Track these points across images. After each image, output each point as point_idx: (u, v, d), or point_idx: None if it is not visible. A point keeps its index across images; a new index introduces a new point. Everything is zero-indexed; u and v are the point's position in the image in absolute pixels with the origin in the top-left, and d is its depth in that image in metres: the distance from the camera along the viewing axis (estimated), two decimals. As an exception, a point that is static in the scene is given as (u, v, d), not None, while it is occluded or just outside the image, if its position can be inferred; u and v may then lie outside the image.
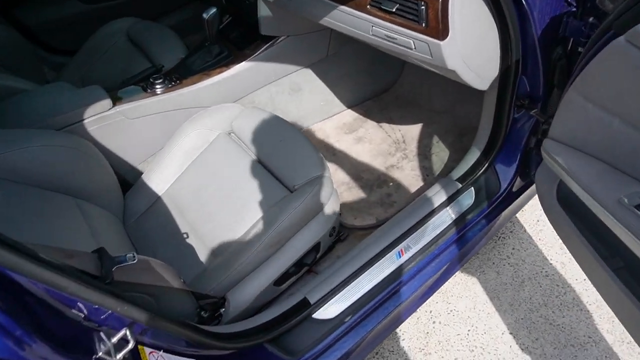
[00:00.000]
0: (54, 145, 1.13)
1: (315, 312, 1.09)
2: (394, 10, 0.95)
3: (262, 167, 1.25)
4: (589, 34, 0.98)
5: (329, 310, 1.09)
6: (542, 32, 1.00)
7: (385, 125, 1.67)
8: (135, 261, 0.80)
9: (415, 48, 0.97)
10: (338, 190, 1.37)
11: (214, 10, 1.41)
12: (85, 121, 1.27)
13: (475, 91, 1.18)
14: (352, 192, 1.46)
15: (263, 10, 1.37)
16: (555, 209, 1.06)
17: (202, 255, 1.17)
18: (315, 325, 1.09)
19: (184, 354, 0.83)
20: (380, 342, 1.33)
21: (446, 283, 1.44)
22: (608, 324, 1.36)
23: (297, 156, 1.23)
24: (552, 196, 1.06)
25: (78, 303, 0.59)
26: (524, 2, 0.92)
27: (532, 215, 1.63)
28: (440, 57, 0.94)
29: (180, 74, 1.45)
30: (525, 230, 1.60)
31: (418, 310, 1.43)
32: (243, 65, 1.47)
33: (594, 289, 1.02)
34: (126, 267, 0.77)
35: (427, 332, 1.40)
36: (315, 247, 1.20)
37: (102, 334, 0.63)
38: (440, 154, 1.54)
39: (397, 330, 1.41)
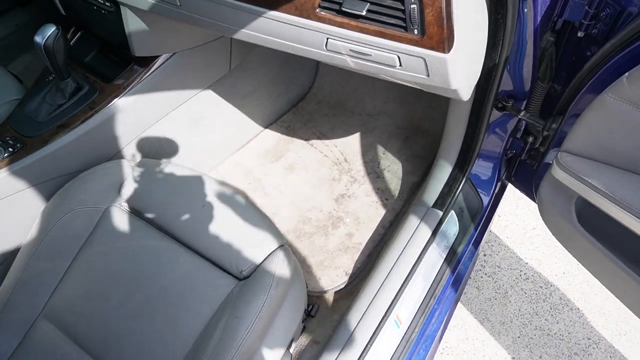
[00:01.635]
0: None
1: None
2: (363, 13, 0.63)
3: (185, 249, 0.87)
4: (594, 15, 0.77)
5: None
6: (541, 19, 0.76)
7: (316, 142, 1.35)
8: None
9: (401, 65, 0.66)
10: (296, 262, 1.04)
11: (52, 29, 0.92)
12: None
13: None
14: (303, 243, 1.14)
15: (133, 24, 0.93)
16: (576, 229, 0.86)
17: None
18: None
19: None
20: None
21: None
22: (600, 319, 1.26)
23: (236, 224, 0.86)
24: (570, 218, 0.86)
25: None
26: (531, -17, 0.66)
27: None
28: (444, 76, 0.65)
29: (21, 133, 0.96)
30: (490, 230, 1.44)
31: None
32: (118, 103, 1.02)
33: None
34: None
35: (426, 385, 1.17)
36: (288, 346, 0.87)
37: None
38: (391, 167, 1.28)
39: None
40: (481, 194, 1.08)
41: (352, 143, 1.34)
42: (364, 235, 1.15)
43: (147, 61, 1.03)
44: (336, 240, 1.14)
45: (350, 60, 0.70)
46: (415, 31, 0.61)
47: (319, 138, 1.36)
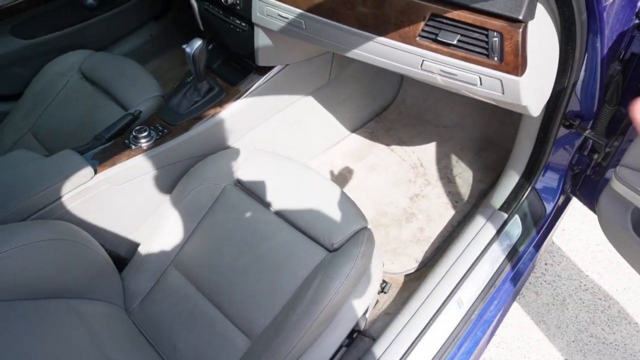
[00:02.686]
0: (32, 243, 0.88)
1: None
2: (454, 42, 0.80)
3: (286, 223, 1.07)
4: (658, 49, 0.88)
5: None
6: (608, 51, 0.89)
7: (396, 147, 1.53)
8: None
9: (481, 84, 0.83)
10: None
11: (199, 42, 1.18)
12: (63, 199, 1.03)
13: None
14: (379, 232, 1.31)
15: (262, 41, 1.17)
16: (632, 237, 0.97)
17: (236, 339, 0.98)
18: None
19: None
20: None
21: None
22: (659, 334, 1.31)
23: (329, 206, 1.05)
24: (626, 227, 0.97)
25: None
26: (598, 23, 0.80)
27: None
28: (516, 94, 0.81)
29: (167, 122, 1.23)
30: (553, 242, 1.53)
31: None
32: (239, 103, 1.26)
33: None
34: None
35: (480, 373, 1.29)
36: (365, 313, 1.04)
37: None
38: (462, 174, 1.43)
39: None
40: (545, 203, 1.20)
41: (428, 151, 1.50)
42: (434, 230, 1.30)
43: (264, 70, 1.26)
44: (409, 232, 1.31)
45: (440, 78, 0.88)
46: (495, 58, 0.78)
47: (398, 144, 1.53)
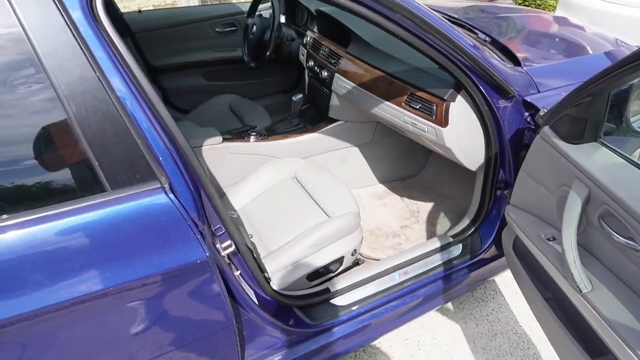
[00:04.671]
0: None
1: (333, 298, 1.53)
2: (417, 107, 1.55)
3: (312, 200, 1.79)
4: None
5: (343, 299, 1.54)
6: (511, 137, 1.55)
7: (406, 199, 2.20)
8: (235, 216, 1.32)
9: (427, 131, 1.55)
10: (363, 234, 1.86)
11: (300, 95, 2.08)
12: (203, 147, 1.89)
13: (473, 185, 1.71)
14: (372, 237, 1.95)
15: (334, 100, 2.03)
16: (511, 255, 1.52)
17: (262, 251, 1.66)
18: (331, 307, 1.52)
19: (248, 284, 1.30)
20: (373, 337, 1.69)
21: (434, 321, 1.83)
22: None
23: (338, 196, 1.76)
24: (509, 246, 1.53)
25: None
26: (498, 116, 1.49)
27: (512, 289, 2.03)
28: (442, 139, 1.51)
29: (268, 133, 2.09)
30: (505, 299, 2.00)
31: (408, 336, 1.81)
32: (311, 136, 2.09)
33: (553, 350, 1.37)
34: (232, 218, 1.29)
35: (413, 355, 1.77)
36: (339, 260, 1.67)
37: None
38: (443, 224, 2.03)
39: (389, 348, 1.78)
40: (482, 241, 1.75)
41: (427, 206, 2.14)
42: (408, 246, 1.90)
43: (332, 121, 2.10)
44: (390, 242, 1.92)
45: (411, 127, 1.61)
46: (434, 117, 1.50)
47: (409, 198, 2.20)
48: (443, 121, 1.49)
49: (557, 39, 1.98)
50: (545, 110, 1.34)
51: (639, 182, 0.99)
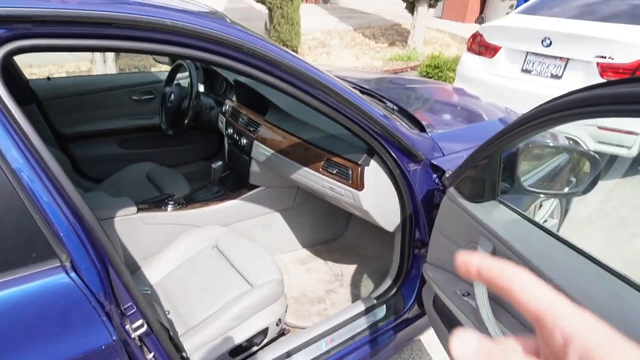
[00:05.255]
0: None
1: (257, 374, 1.45)
2: (334, 172, 1.61)
3: (234, 270, 1.73)
4: (450, 203, 1.63)
5: (267, 374, 1.46)
6: (423, 198, 1.64)
7: (330, 263, 2.21)
8: (149, 292, 1.24)
9: (345, 195, 1.60)
10: (287, 302, 1.82)
11: (220, 163, 2.08)
12: (115, 219, 1.78)
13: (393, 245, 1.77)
14: (297, 304, 1.91)
15: (254, 167, 2.04)
16: (431, 313, 1.56)
17: (180, 328, 1.56)
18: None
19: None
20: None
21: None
22: None
23: (261, 263, 1.72)
24: (430, 304, 1.57)
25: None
26: (409, 178, 1.58)
27: (438, 347, 2.07)
28: (359, 201, 1.56)
29: (186, 201, 2.03)
30: (431, 358, 2.01)
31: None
32: (232, 202, 2.06)
33: None
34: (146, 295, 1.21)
35: None
36: (264, 332, 1.61)
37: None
38: (367, 286, 2.05)
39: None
40: (405, 301, 1.79)
41: (350, 268, 2.16)
42: (334, 311, 1.88)
43: (253, 187, 2.10)
44: (316, 308, 1.89)
45: (329, 192, 1.65)
46: (350, 181, 1.56)
47: (333, 261, 2.21)
48: (359, 184, 1.55)
49: (457, 107, 2.20)
50: (450, 172, 1.45)
51: (534, 236, 1.08)
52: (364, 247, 2.32)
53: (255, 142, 1.96)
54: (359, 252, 2.30)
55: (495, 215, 1.18)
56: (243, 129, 2.05)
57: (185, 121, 2.29)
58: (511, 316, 1.18)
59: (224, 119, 2.24)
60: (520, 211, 1.16)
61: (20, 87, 2.26)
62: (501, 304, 1.18)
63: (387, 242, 2.23)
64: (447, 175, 1.46)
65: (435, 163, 1.58)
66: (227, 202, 2.05)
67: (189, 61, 2.35)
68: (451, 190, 1.33)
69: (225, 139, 2.28)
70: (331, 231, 2.40)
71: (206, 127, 2.54)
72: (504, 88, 3.72)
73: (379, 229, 1.82)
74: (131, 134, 2.63)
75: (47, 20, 0.82)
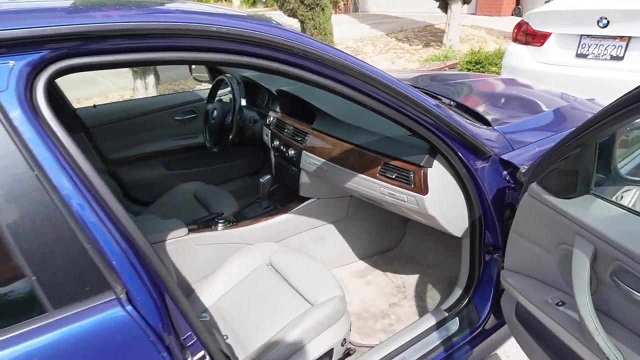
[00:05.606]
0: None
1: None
2: (394, 177, 1.49)
3: (291, 288, 1.63)
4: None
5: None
6: (493, 198, 1.49)
7: (389, 274, 2.07)
8: (207, 318, 1.15)
9: (407, 201, 1.47)
10: (350, 320, 1.69)
11: (268, 176, 1.99)
12: (167, 242, 1.73)
13: (458, 251, 1.61)
14: (360, 321, 1.78)
15: (303, 178, 1.95)
16: (515, 325, 1.39)
17: (240, 353, 1.46)
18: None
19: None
20: None
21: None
22: None
23: (320, 279, 1.61)
24: (512, 315, 1.40)
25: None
26: (477, 177, 1.43)
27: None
28: (424, 207, 1.43)
29: (236, 219, 1.96)
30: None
31: None
32: (283, 217, 1.97)
33: None
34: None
35: None
36: (329, 353, 1.49)
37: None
38: (433, 297, 1.90)
39: None
40: (479, 312, 1.62)
41: (412, 278, 2.01)
42: (400, 327, 1.74)
43: (303, 199, 2.00)
44: (381, 324, 1.76)
45: (389, 198, 1.53)
46: (412, 185, 1.43)
47: (392, 272, 2.07)
48: (423, 188, 1.42)
49: (516, 98, 2.03)
50: (526, 167, 1.30)
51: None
52: (424, 255, 2.17)
53: (304, 152, 1.87)
54: (419, 261, 2.15)
55: (593, 211, 1.02)
56: (290, 140, 1.97)
57: (230, 137, 2.23)
58: (623, 327, 1.01)
59: (269, 132, 2.17)
60: (624, 205, 0.99)
61: (68, 116, 2.28)
62: (611, 315, 1.02)
63: (451, 248, 2.07)
64: (522, 170, 1.31)
65: (505, 159, 1.43)
66: (278, 217, 1.97)
67: (229, 75, 2.31)
68: (534, 186, 1.17)
69: (272, 152, 2.21)
70: (388, 240, 2.26)
71: (251, 142, 2.48)
72: (559, 76, 3.47)
73: (439, 235, 1.67)
74: (176, 155, 2.61)
75: (95, 36, 0.76)
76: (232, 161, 2.69)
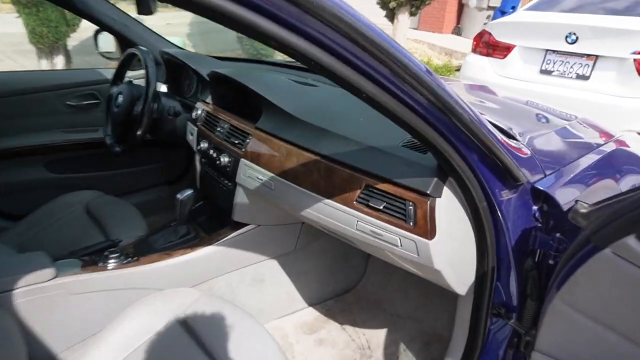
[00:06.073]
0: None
1: None
2: (380, 208, 0.98)
3: None
4: (558, 248, 1.03)
5: None
6: (515, 243, 1.04)
7: (348, 328, 1.56)
8: None
9: (401, 245, 0.97)
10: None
11: (189, 192, 1.41)
12: (17, 291, 1.09)
13: (438, 296, 1.15)
14: (313, 405, 1.26)
15: (240, 197, 1.39)
16: None
17: None
18: None
19: None
20: None
21: None
22: None
23: (254, 350, 1.07)
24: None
25: None
26: (499, 213, 0.98)
27: None
28: (428, 257, 0.94)
29: (138, 251, 1.35)
30: None
31: None
32: (208, 249, 1.40)
33: None
34: None
35: None
36: None
37: None
38: (408, 364, 1.42)
39: None
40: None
41: (378, 335, 1.53)
42: (368, 414, 1.24)
43: (238, 226, 1.44)
44: (342, 410, 1.24)
45: (370, 238, 1.03)
46: (411, 223, 0.94)
47: (351, 325, 1.57)
48: (429, 229, 0.93)
49: (515, 108, 1.62)
50: (586, 205, 0.85)
51: None
52: (390, 300, 1.69)
53: (242, 160, 1.31)
54: (385, 309, 1.67)
55: None
56: (223, 142, 1.41)
57: (138, 132, 1.61)
58: None
59: (195, 129, 1.59)
60: None
61: None
62: None
63: (426, 293, 1.62)
64: (582, 209, 0.86)
65: (540, 188, 0.99)
66: (200, 250, 1.39)
67: (144, 49, 1.68)
68: (630, 241, 0.72)
69: (197, 157, 1.62)
70: (344, 279, 1.76)
71: (170, 141, 1.88)
72: (521, 91, 3.21)
73: (410, 274, 1.20)
74: (65, 152, 1.93)
75: None
76: (143, 165, 2.06)
